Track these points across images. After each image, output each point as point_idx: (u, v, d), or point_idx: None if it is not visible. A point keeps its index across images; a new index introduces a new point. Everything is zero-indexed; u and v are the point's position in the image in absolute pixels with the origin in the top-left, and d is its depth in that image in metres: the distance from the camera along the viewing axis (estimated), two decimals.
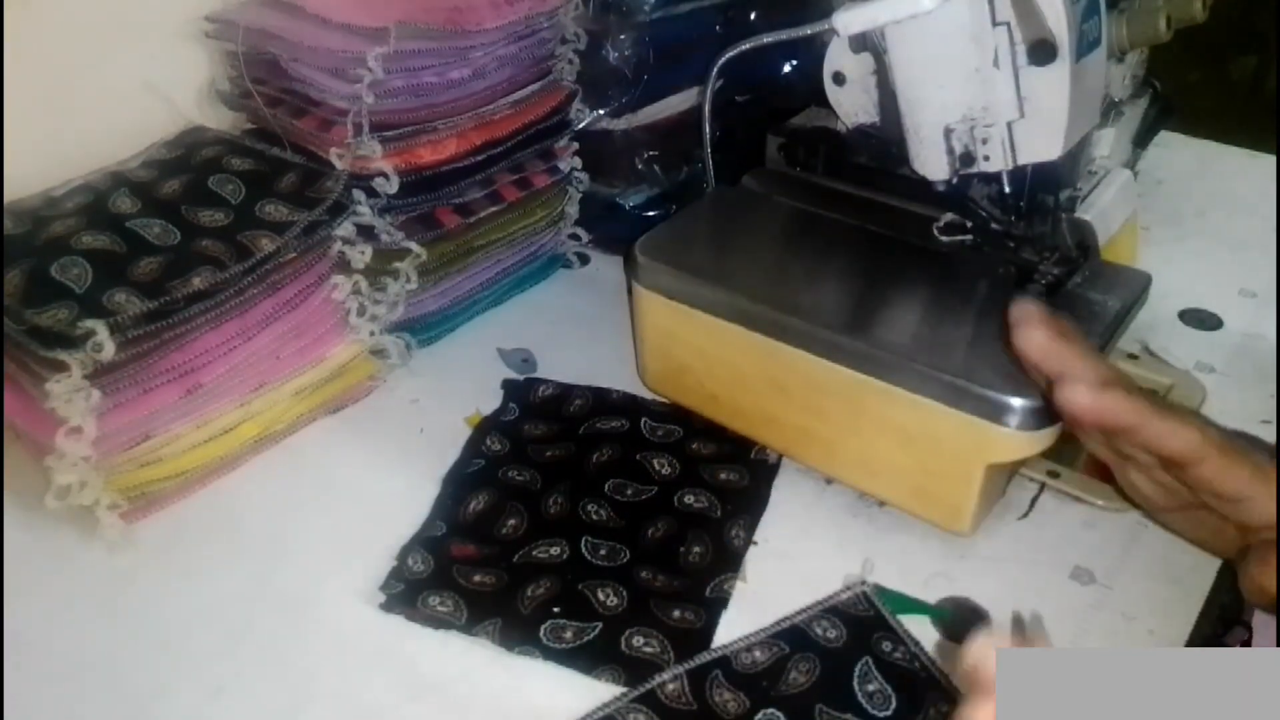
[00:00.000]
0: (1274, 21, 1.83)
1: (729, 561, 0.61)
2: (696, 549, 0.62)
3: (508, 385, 0.76)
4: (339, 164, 0.72)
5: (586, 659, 0.55)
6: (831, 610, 0.57)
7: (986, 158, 0.62)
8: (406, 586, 0.59)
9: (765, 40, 0.72)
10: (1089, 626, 0.57)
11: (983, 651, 0.33)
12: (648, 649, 0.56)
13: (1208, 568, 0.59)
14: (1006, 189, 0.64)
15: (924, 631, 0.56)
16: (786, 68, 0.91)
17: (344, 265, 0.71)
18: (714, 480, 0.67)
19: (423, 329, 0.80)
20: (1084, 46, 0.60)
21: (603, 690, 0.53)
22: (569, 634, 0.56)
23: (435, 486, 0.67)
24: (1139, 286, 0.67)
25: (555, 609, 0.58)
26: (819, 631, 0.56)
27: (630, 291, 0.72)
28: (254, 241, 0.66)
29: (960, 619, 0.57)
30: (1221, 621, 0.59)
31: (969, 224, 0.68)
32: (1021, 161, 0.62)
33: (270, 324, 0.68)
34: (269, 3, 0.78)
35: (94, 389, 0.59)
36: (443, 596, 0.58)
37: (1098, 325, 0.63)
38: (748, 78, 0.85)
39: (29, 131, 0.74)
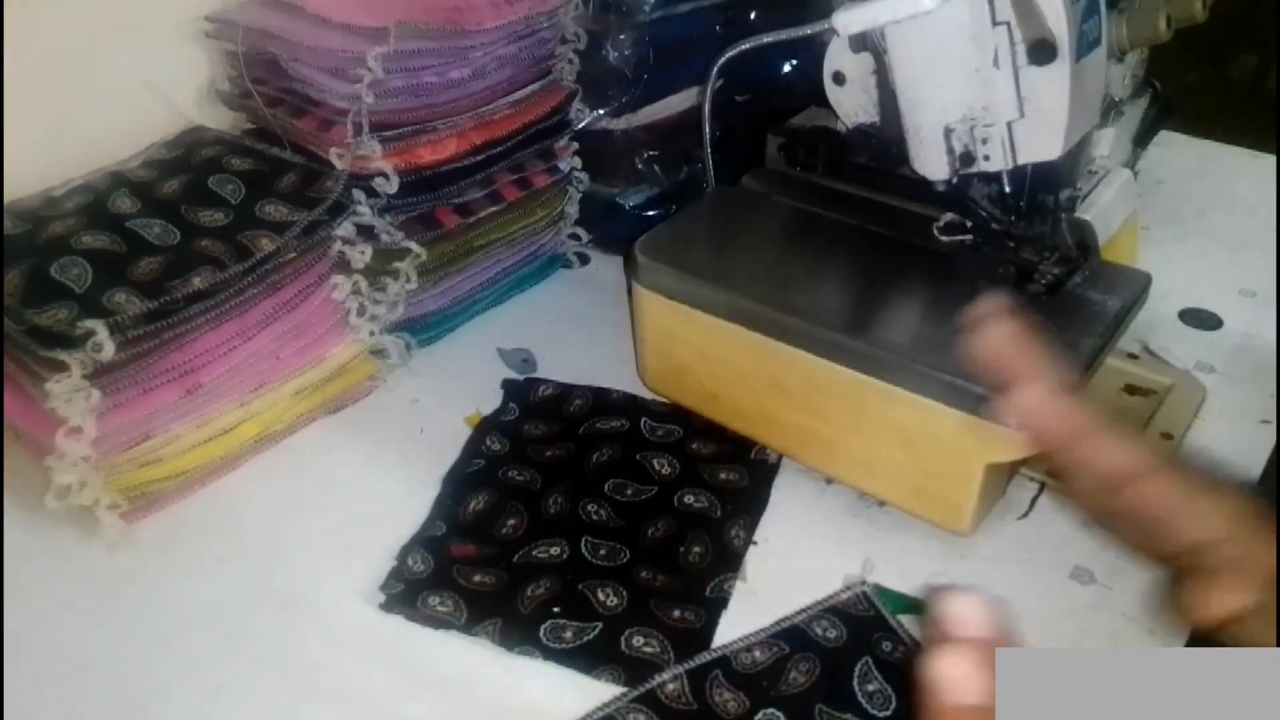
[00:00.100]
0: (1274, 21, 1.83)
1: (729, 561, 0.61)
2: (696, 549, 0.62)
3: (508, 385, 0.76)
4: (339, 164, 0.72)
5: (586, 659, 0.55)
6: (831, 610, 0.57)
7: (986, 157, 0.62)
8: (406, 586, 0.59)
9: (765, 40, 0.72)
10: (1089, 626, 0.57)
11: (955, 606, 0.33)
12: (648, 649, 0.56)
13: None
14: (1006, 189, 0.64)
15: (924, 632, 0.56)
16: (786, 68, 0.91)
17: (344, 265, 0.71)
18: (714, 480, 0.67)
19: (423, 329, 0.80)
20: (1084, 46, 0.60)
21: (603, 690, 0.53)
22: (569, 634, 0.56)
23: (435, 486, 0.67)
24: (1139, 286, 0.67)
25: (555, 609, 0.58)
26: (819, 631, 0.56)
27: (630, 291, 0.72)
28: (254, 241, 0.66)
29: None
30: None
31: (969, 224, 0.68)
32: (1021, 161, 0.62)
33: (270, 324, 0.68)
34: (269, 3, 0.78)
35: (94, 389, 0.59)
36: (443, 596, 0.58)
37: (1098, 325, 0.63)
38: (748, 78, 0.85)
39: (29, 131, 0.74)
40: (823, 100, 0.72)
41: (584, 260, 0.93)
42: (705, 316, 0.66)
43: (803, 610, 0.57)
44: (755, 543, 0.63)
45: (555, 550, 0.62)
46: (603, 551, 0.62)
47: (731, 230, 0.74)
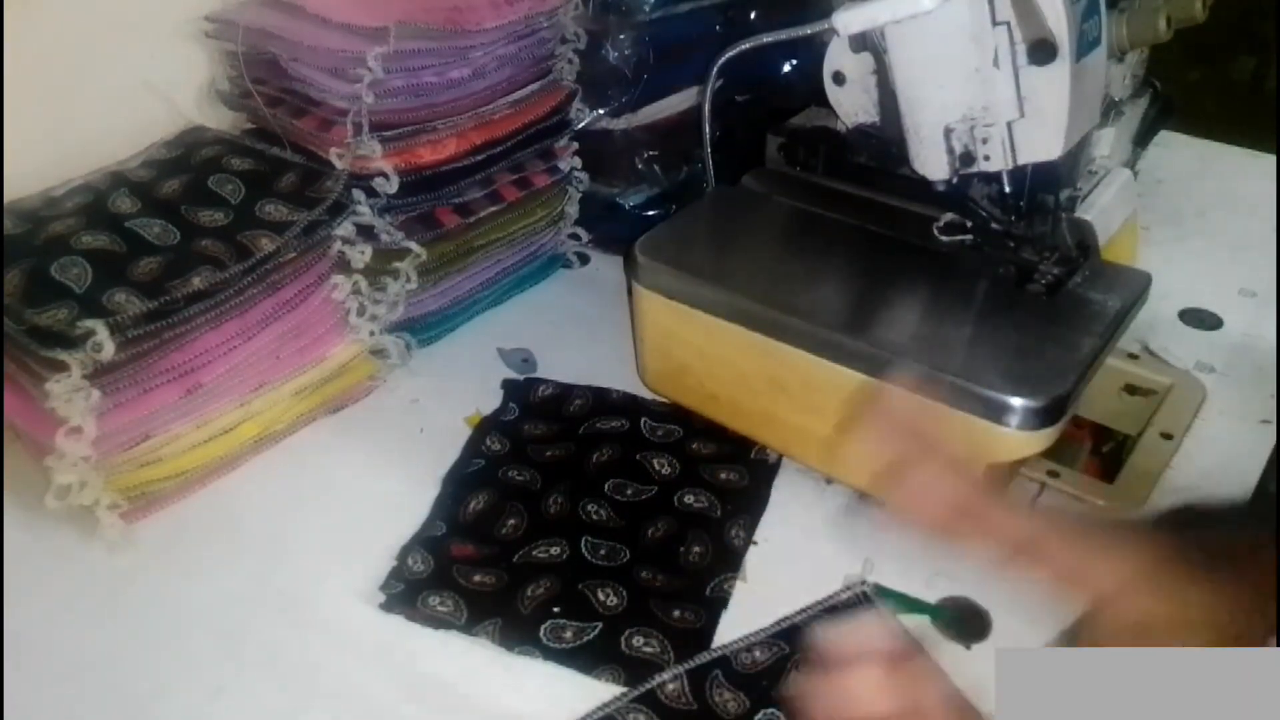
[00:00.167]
0: (1274, 22, 1.83)
1: (729, 561, 0.61)
2: (696, 549, 0.62)
3: (508, 385, 0.76)
4: (339, 164, 0.72)
5: (586, 659, 0.55)
6: (831, 610, 0.57)
7: (987, 157, 0.62)
8: (406, 586, 0.59)
9: (765, 40, 0.72)
10: None
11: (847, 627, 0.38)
12: (648, 649, 0.55)
13: None
14: (1006, 189, 0.64)
15: (924, 631, 0.56)
16: (786, 68, 0.91)
17: (344, 265, 0.71)
18: (714, 480, 0.67)
19: (423, 329, 0.80)
20: (1084, 46, 0.60)
21: (603, 690, 0.53)
22: (569, 634, 0.56)
23: (435, 486, 0.67)
24: (1139, 286, 0.67)
25: (555, 609, 0.58)
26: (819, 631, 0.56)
27: (630, 291, 0.72)
28: (254, 241, 0.66)
29: (960, 619, 0.57)
30: None
31: (969, 224, 0.68)
32: (1021, 161, 0.62)
33: (270, 324, 0.68)
34: (269, 3, 0.78)
35: (94, 389, 0.59)
36: (443, 596, 0.58)
37: (1098, 325, 0.63)
38: (748, 78, 0.85)
39: (29, 131, 0.74)
40: (823, 100, 0.72)
41: (584, 260, 0.93)
42: (705, 316, 0.66)
43: (803, 610, 0.57)
44: (755, 542, 0.63)
45: (555, 550, 0.62)
46: (603, 551, 0.62)
47: (731, 230, 0.74)
